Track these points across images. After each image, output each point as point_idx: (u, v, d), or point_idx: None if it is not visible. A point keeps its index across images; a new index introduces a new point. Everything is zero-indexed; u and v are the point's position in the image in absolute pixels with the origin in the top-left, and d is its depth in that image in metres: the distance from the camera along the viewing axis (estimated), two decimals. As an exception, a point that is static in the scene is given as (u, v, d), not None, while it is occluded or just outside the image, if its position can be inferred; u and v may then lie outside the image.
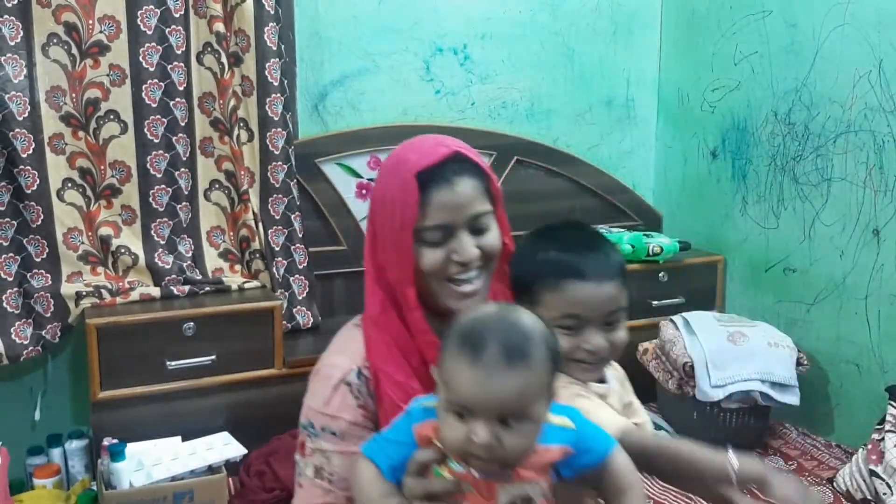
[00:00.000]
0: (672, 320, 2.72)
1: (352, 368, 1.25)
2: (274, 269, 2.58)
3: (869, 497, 2.17)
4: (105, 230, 2.44)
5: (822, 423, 2.67)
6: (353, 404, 1.23)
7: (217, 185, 2.58)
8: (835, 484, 2.30)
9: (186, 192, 2.52)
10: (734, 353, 2.52)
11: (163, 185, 2.47)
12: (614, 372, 1.32)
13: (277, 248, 2.59)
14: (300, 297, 2.62)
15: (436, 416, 1.04)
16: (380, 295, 1.27)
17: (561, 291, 1.20)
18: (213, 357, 2.33)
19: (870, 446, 2.25)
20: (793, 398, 2.50)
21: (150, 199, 2.46)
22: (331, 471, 1.22)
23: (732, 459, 1.11)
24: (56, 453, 2.45)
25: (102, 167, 2.42)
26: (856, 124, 2.52)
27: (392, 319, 1.25)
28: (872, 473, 2.18)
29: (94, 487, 2.28)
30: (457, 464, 1.03)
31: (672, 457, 1.15)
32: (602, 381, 1.27)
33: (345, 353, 1.28)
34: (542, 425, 1.02)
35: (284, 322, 2.49)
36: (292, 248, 2.61)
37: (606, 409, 1.19)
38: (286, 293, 2.60)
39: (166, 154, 2.46)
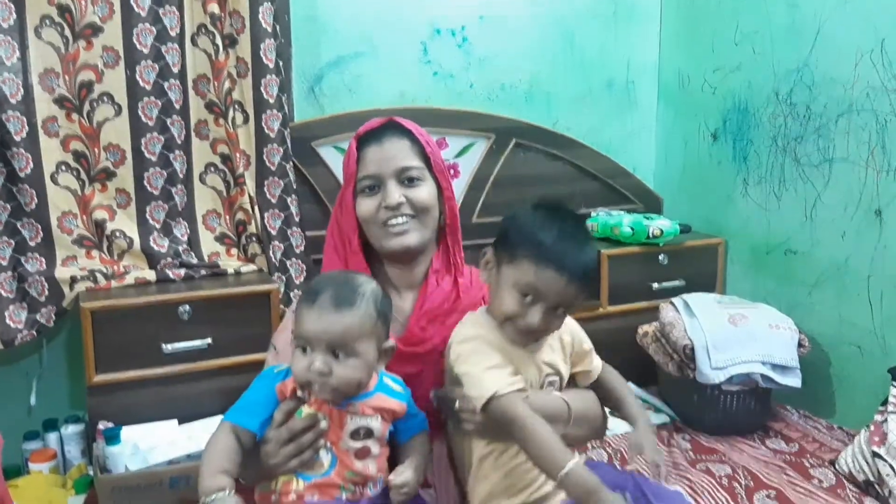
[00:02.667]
0: (672, 303, 2.70)
1: None
2: (270, 253, 2.56)
3: (872, 479, 2.15)
4: (99, 214, 2.42)
5: (823, 405, 2.65)
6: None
7: (212, 169, 2.56)
8: (837, 466, 2.28)
9: (181, 176, 2.49)
10: (735, 335, 2.50)
11: (157, 169, 2.44)
12: (560, 334, 1.51)
13: (274, 232, 2.56)
14: (297, 281, 2.60)
15: (290, 376, 1.32)
16: (332, 244, 1.56)
17: (538, 268, 1.35)
18: (209, 341, 2.31)
19: (872, 428, 2.22)
20: (794, 380, 2.48)
21: (145, 182, 2.44)
22: None
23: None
24: (52, 438, 2.44)
25: (96, 150, 2.39)
26: (858, 104, 2.49)
27: (338, 263, 1.53)
28: (875, 455, 2.16)
29: (91, 472, 2.27)
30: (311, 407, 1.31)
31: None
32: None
33: None
34: (369, 366, 1.30)
35: (281, 306, 2.47)
36: (289, 231, 2.59)
37: (489, 374, 1.36)
38: (283, 277, 2.58)
39: (161, 137, 2.43)
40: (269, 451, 1.30)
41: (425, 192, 1.51)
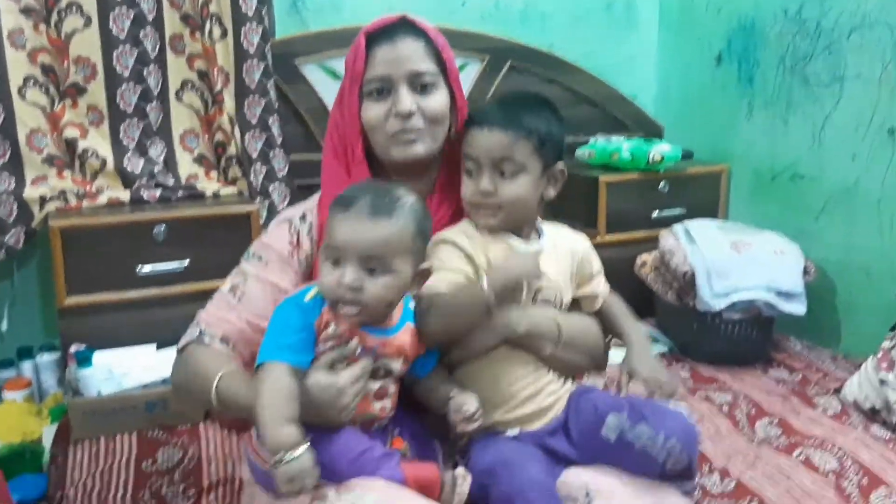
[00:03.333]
0: (672, 230, 2.59)
1: (297, 213, 1.42)
2: (252, 176, 2.44)
3: (878, 407, 2.06)
4: (70, 132, 2.30)
5: (828, 334, 2.56)
6: (286, 238, 1.38)
7: (189, 86, 2.43)
8: (842, 394, 2.19)
9: (156, 93, 2.37)
10: (737, 261, 2.39)
11: (131, 85, 2.32)
12: (570, 243, 1.44)
13: (255, 154, 2.45)
14: (280, 207, 2.48)
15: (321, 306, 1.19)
16: (332, 148, 1.42)
17: (465, 135, 1.35)
18: (186, 263, 2.21)
19: (880, 354, 2.13)
20: (799, 307, 2.38)
21: (118, 99, 2.31)
22: (243, 290, 1.36)
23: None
24: (27, 367, 2.36)
25: (66, 64, 2.26)
26: (871, 17, 2.35)
27: (342, 176, 1.38)
28: (882, 382, 2.07)
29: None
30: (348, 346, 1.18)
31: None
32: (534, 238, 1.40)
33: (301, 205, 1.46)
34: (403, 286, 1.19)
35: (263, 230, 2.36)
36: (271, 154, 2.46)
37: (448, 273, 1.29)
38: (265, 202, 2.46)
39: (133, 50, 2.30)
40: (341, 404, 1.16)
41: (439, 100, 1.37)
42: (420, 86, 1.35)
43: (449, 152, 1.45)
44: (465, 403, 1.25)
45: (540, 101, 1.38)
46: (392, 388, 1.27)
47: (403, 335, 1.24)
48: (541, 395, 1.36)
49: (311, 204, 1.44)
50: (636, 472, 1.31)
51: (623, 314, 1.49)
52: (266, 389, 1.12)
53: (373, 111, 1.35)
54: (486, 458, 1.28)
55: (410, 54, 1.34)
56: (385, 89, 1.34)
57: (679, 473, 1.31)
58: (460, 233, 1.35)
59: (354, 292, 1.14)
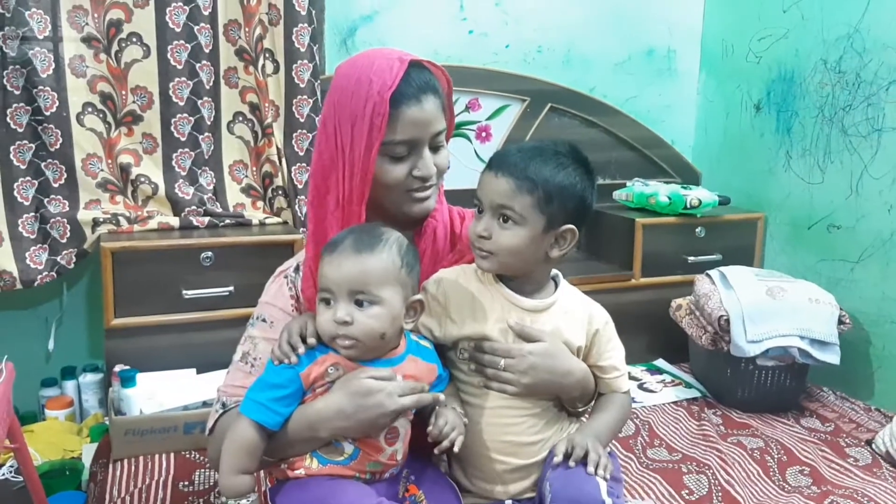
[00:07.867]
0: (708, 274, 2.60)
1: (291, 266, 1.42)
2: (297, 207, 2.50)
3: (911, 459, 2.06)
4: (125, 158, 2.38)
5: (861, 386, 2.54)
6: (286, 293, 1.39)
7: (241, 118, 2.51)
8: (874, 446, 2.18)
9: (209, 123, 2.44)
10: (773, 307, 2.40)
11: (185, 115, 2.39)
12: (588, 309, 1.41)
13: (301, 186, 2.51)
14: (322, 238, 2.54)
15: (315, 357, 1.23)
16: (322, 200, 1.33)
17: (481, 173, 1.34)
18: (231, 288, 2.26)
19: (914, 407, 2.13)
20: (833, 357, 2.37)
21: (172, 127, 2.39)
22: (255, 356, 1.36)
23: None
24: (70, 386, 2.42)
25: (124, 93, 2.35)
26: (911, 71, 2.38)
27: (333, 225, 1.32)
28: (916, 434, 2.06)
29: (108, 422, 2.23)
30: None
31: None
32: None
33: (293, 258, 1.47)
34: (394, 317, 1.22)
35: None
36: (316, 186, 2.53)
37: None
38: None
39: (189, 82, 2.38)
40: (386, 407, 1.19)
41: (446, 154, 1.39)
42: (437, 144, 1.35)
43: None
44: (439, 419, 1.26)
45: (566, 153, 1.32)
46: (404, 429, 1.27)
47: (409, 365, 1.27)
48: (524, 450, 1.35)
49: (302, 255, 1.42)
50: None
51: (611, 416, 1.43)
52: (230, 439, 1.21)
53: (395, 173, 1.32)
54: None
55: (434, 112, 1.31)
56: (408, 150, 1.32)
57: None
58: (449, 274, 1.38)
59: (346, 326, 1.19)
